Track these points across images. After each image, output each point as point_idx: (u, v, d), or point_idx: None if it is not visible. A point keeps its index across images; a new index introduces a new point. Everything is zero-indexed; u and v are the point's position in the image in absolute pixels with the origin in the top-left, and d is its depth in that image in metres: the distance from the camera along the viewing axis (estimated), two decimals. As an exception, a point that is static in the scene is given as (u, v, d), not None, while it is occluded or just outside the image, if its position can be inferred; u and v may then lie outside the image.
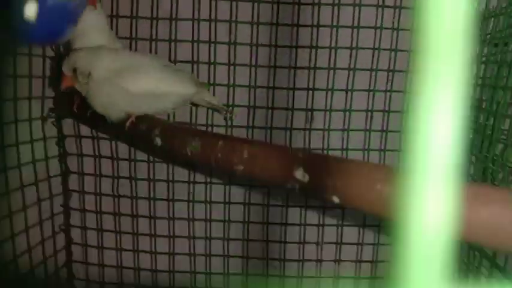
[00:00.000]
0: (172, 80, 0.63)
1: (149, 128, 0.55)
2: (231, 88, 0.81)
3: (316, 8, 0.78)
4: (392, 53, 0.79)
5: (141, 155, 0.84)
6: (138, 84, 0.59)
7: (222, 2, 0.78)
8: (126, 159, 0.84)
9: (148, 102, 0.60)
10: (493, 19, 0.71)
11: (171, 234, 0.85)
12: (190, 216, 0.85)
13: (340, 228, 0.85)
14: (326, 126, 0.81)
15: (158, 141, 0.53)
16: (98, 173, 0.85)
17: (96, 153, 0.84)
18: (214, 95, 0.80)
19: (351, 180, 0.32)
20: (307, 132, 0.82)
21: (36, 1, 0.25)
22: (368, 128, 0.82)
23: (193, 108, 0.81)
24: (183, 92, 0.64)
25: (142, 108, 0.60)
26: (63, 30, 0.28)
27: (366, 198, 0.31)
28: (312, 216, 0.85)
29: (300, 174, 0.35)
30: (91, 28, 0.65)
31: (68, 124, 0.84)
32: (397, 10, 0.78)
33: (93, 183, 0.85)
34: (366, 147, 0.82)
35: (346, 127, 0.81)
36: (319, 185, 0.33)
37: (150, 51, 0.80)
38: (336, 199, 0.33)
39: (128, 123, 0.59)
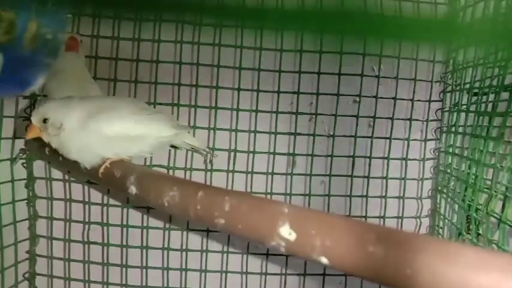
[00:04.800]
0: (148, 122, 0.60)
1: (124, 174, 0.52)
2: (212, 131, 0.79)
3: (298, 54, 0.78)
4: (374, 99, 0.80)
5: (115, 200, 0.80)
6: (112, 126, 0.57)
7: (205, 47, 0.78)
8: (98, 204, 0.80)
9: (124, 145, 0.57)
10: (471, 69, 0.72)
11: (144, 284, 0.80)
12: (165, 265, 0.80)
13: (322, 277, 0.81)
14: (308, 171, 0.80)
15: (133, 189, 0.49)
16: (67, 217, 0.80)
17: (67, 197, 0.80)
18: (194, 137, 0.78)
19: (342, 239, 0.29)
20: (288, 177, 0.80)
21: (1, 52, 0.23)
22: (350, 173, 0.80)
23: (172, 151, 0.79)
24: (160, 134, 0.62)
25: (118, 152, 0.57)
26: (31, 81, 0.26)
27: (356, 261, 0.29)
28: (293, 266, 0.81)
29: (285, 231, 0.33)
30: (66, 70, 0.63)
31: (38, 166, 0.80)
32: (377, 57, 0.79)
33: (63, 228, 0.81)
34: (348, 193, 0.80)
35: (328, 172, 0.80)
36: (306, 243, 0.31)
37: (130, 94, 0.78)
38: (324, 260, 0.31)
39: (101, 169, 0.56)
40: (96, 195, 0.80)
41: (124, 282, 0.80)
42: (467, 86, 0.73)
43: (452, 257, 0.26)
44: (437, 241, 0.27)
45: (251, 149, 0.79)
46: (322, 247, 0.30)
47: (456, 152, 0.74)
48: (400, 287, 0.27)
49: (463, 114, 0.74)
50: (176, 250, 0.80)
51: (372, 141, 0.81)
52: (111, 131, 0.57)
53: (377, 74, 0.80)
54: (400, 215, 0.82)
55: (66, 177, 0.80)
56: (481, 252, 0.25)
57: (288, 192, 0.80)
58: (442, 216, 0.78)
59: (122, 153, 0.58)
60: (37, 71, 0.26)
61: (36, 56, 0.25)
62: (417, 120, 0.81)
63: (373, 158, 0.81)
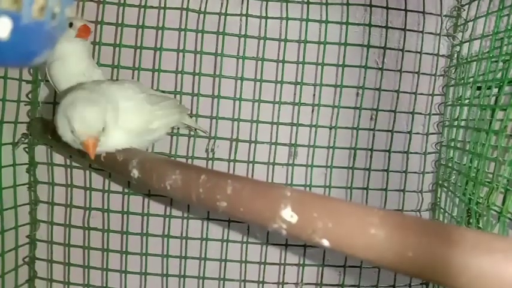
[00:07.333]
0: (163, 113, 0.61)
1: (126, 158, 0.52)
2: (214, 120, 0.79)
3: (302, 45, 0.78)
4: (377, 92, 0.80)
5: (116, 186, 0.80)
6: (135, 123, 0.56)
7: (209, 35, 0.78)
8: (99, 190, 0.80)
9: (139, 138, 0.57)
10: (475, 63, 0.72)
11: (144, 271, 0.81)
12: (165, 252, 0.80)
13: (320, 268, 0.82)
14: (309, 162, 0.80)
15: (135, 173, 0.50)
16: (68, 203, 0.80)
17: (68, 183, 0.80)
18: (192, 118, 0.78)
19: (344, 222, 0.30)
20: (290, 167, 0.80)
21: (10, 18, 0.23)
22: (351, 165, 0.80)
23: (173, 139, 0.79)
24: (169, 122, 0.62)
25: (131, 144, 0.57)
26: (38, 52, 0.26)
27: (358, 243, 0.29)
28: (292, 255, 0.82)
29: (287, 214, 0.33)
30: (71, 54, 0.63)
31: (40, 151, 0.80)
32: (381, 50, 0.79)
33: (63, 213, 0.81)
34: (349, 185, 0.80)
35: (329, 164, 0.80)
36: (308, 226, 0.31)
37: (133, 80, 0.78)
38: (325, 242, 0.31)
39: (104, 153, 0.56)
40: (97, 181, 0.80)
41: (124, 269, 0.80)
42: (471, 79, 0.73)
43: (454, 240, 0.26)
44: (438, 224, 0.27)
45: (253, 139, 0.79)
46: (324, 229, 0.30)
47: (458, 145, 0.74)
48: (401, 269, 0.28)
49: (465, 108, 0.74)
50: (176, 238, 0.80)
51: (373, 134, 0.81)
52: (133, 127, 0.56)
53: (380, 66, 0.80)
54: (401, 208, 0.82)
55: (68, 162, 0.80)
56: (481, 235, 0.25)
57: (289, 182, 0.80)
58: (442, 210, 0.78)
59: (134, 144, 0.57)
60: (43, 43, 0.26)
61: (44, 28, 0.25)
62: (419, 113, 0.81)
63: (375, 150, 0.81)
